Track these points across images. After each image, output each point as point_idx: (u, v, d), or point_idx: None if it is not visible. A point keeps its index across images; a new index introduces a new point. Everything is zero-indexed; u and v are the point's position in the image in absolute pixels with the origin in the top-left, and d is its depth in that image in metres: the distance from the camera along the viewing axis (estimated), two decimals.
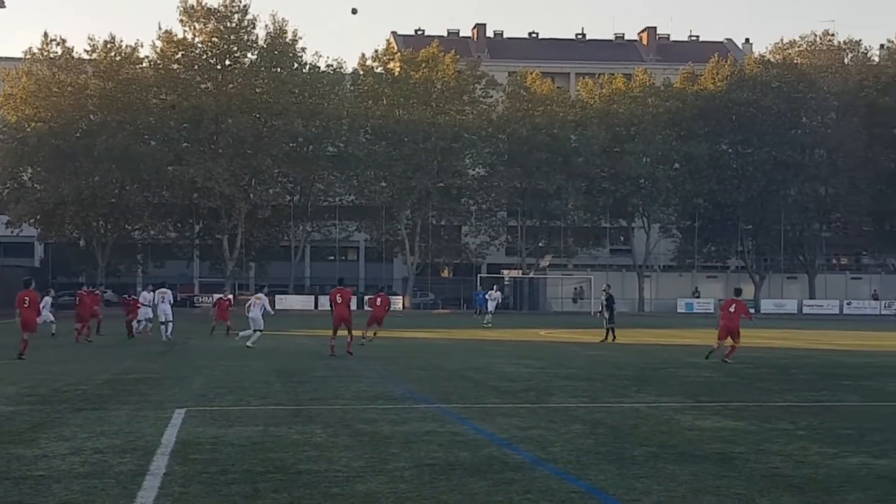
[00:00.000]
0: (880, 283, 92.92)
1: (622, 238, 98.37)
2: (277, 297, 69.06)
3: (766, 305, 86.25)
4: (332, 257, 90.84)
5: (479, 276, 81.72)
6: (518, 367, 23.60)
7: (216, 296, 44.37)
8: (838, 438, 12.07)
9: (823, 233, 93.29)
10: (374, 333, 31.54)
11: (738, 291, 27.75)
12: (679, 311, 78.64)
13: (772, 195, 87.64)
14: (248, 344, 29.14)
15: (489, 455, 10.73)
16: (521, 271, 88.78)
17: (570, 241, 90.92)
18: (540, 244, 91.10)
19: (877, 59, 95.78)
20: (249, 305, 30.92)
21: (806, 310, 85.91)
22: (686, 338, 39.72)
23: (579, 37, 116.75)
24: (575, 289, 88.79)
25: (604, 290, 37.17)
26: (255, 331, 29.87)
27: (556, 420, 13.63)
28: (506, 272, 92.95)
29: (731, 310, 25.42)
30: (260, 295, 31.67)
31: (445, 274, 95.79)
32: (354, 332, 27.39)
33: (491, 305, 52.68)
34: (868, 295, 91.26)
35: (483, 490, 8.89)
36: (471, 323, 53.41)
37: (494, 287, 57.16)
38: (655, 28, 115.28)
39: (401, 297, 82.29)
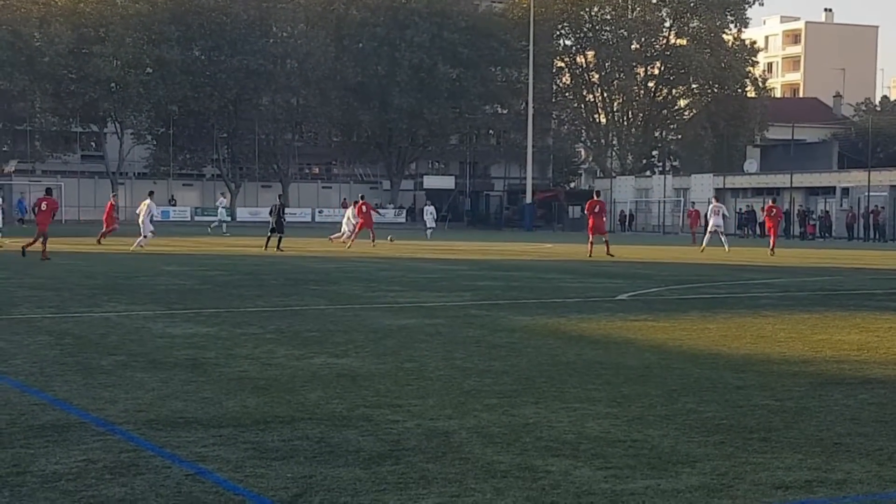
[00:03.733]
0: (349, 192, 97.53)
1: (94, 144, 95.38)
2: None
3: (242, 214, 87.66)
4: None
5: None
6: None
7: None
8: (304, 341, 12.52)
9: (296, 142, 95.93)
10: None
11: None
12: (155, 218, 77.52)
13: (245, 104, 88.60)
14: None
15: None
16: None
17: (37, 145, 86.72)
18: (4, 148, 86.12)
19: None
20: None
21: None
22: (162, 245, 39.48)
23: None
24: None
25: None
26: None
27: (19, 332, 13.00)
28: None
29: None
30: None
31: None
32: None
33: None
34: (338, 203, 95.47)
35: None
36: None
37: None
38: None
39: None
